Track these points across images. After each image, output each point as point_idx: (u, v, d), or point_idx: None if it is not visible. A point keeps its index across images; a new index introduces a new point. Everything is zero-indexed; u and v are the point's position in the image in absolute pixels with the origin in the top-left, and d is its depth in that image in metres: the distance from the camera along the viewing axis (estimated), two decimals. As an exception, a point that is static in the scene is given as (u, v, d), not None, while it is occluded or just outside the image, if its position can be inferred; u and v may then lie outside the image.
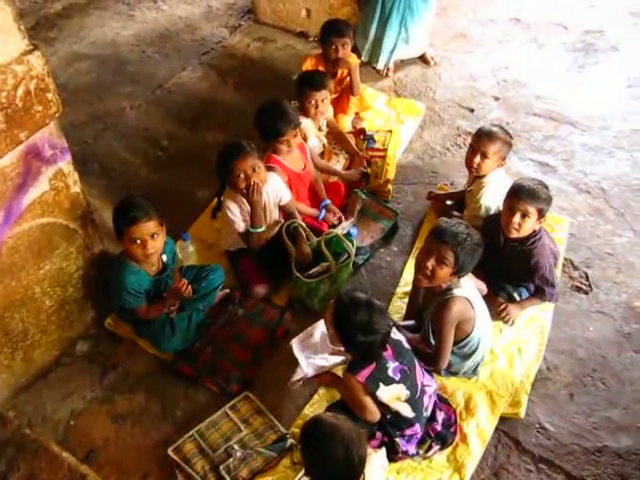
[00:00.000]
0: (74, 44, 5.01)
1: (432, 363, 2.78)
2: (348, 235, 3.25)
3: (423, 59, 4.69)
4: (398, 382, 2.45)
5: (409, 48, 4.53)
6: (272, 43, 4.94)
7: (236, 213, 3.14)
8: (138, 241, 2.71)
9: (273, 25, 5.05)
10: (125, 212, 2.73)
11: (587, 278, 3.40)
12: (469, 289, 2.73)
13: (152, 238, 2.73)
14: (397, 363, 2.47)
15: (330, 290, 3.13)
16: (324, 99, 3.60)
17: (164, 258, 2.92)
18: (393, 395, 2.46)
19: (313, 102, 3.57)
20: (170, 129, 4.25)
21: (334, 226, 3.41)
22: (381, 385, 2.43)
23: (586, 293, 3.33)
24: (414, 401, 2.51)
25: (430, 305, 2.75)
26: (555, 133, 4.20)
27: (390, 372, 2.44)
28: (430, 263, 2.60)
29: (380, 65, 4.53)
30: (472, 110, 4.32)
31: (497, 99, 4.42)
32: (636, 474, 2.67)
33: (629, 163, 4.04)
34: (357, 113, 4.14)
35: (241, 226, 3.16)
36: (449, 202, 3.62)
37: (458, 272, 2.63)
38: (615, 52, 4.91)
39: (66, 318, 3.00)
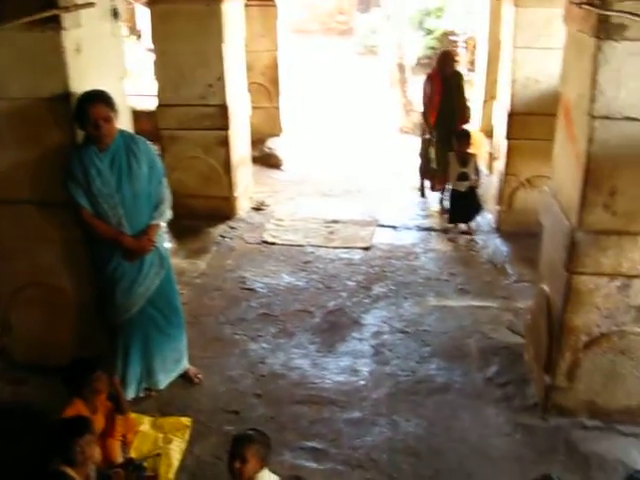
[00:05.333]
0: None
1: None
2: None
3: (186, 377, 4.74)
4: None
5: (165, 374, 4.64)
6: (27, 385, 4.73)
7: None
8: None
9: (28, 363, 4.89)
10: None
11: None
12: None
13: None
14: None
15: None
16: (89, 443, 3.50)
17: None
18: None
19: (79, 448, 3.45)
20: None
21: None
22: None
23: None
24: None
25: None
26: (319, 416, 4.40)
27: None
28: None
29: (131, 394, 4.48)
30: (237, 412, 4.42)
31: (259, 396, 4.59)
32: None
33: (391, 427, 4.31)
34: (124, 435, 4.06)
35: None
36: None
37: None
38: (357, 325, 5.44)
39: None
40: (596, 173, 3.80)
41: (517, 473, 3.83)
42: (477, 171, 7.18)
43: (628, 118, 3.68)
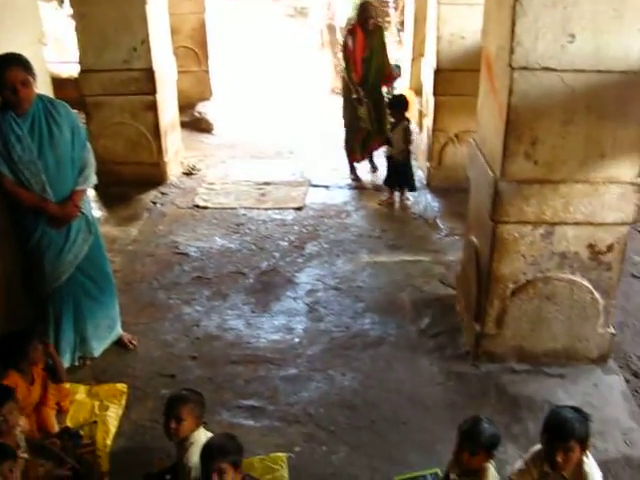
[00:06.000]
0: None
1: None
2: None
3: (121, 344, 4.70)
4: None
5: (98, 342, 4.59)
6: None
7: None
8: None
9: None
10: None
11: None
12: None
13: None
14: None
15: None
16: (12, 411, 3.41)
17: None
18: None
19: (1, 417, 3.36)
20: None
21: None
22: None
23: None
24: None
25: None
26: (255, 375, 4.42)
27: None
28: None
29: (66, 363, 4.41)
30: (173, 376, 4.41)
31: (194, 358, 4.58)
32: None
33: (327, 382, 4.37)
34: (58, 404, 4.01)
35: None
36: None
37: None
38: (290, 284, 5.49)
39: None
40: (517, 124, 3.87)
41: (449, 418, 3.92)
42: (407, 140, 6.85)
43: (546, 69, 3.74)
